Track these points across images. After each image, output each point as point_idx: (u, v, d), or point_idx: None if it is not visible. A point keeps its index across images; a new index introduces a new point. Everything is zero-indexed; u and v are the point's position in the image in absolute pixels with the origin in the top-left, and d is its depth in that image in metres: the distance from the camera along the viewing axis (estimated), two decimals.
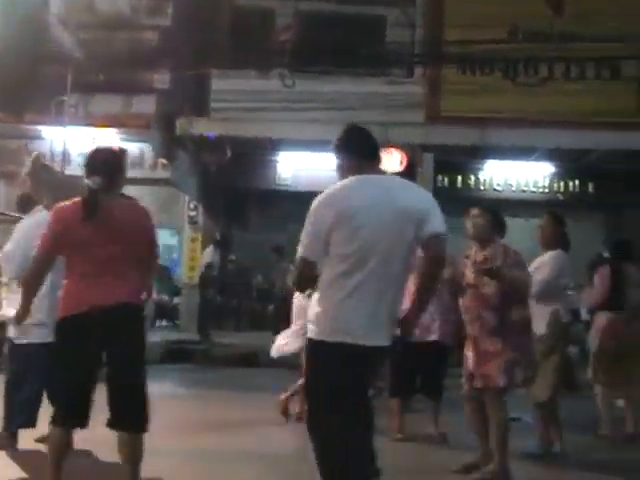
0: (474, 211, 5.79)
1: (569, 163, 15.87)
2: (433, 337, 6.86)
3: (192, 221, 16.22)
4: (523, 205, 15.75)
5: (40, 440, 5.40)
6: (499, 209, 6.24)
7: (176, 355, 12.57)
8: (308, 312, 4.10)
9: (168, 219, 16.74)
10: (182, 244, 16.85)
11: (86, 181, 4.36)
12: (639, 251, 8.27)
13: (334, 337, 3.90)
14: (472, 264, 5.63)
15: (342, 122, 12.81)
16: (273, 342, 7.74)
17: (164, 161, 14.84)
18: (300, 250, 3.98)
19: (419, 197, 4.14)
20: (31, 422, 5.71)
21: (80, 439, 4.59)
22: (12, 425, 5.76)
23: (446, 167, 15.64)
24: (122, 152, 4.69)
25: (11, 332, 5.87)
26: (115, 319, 4.24)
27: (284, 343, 7.51)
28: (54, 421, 4.28)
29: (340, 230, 3.92)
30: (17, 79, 13.11)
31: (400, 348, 6.53)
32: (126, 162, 4.68)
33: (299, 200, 4.51)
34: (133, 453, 4.27)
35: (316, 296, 4.00)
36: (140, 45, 13.18)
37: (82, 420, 4.28)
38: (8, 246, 6.00)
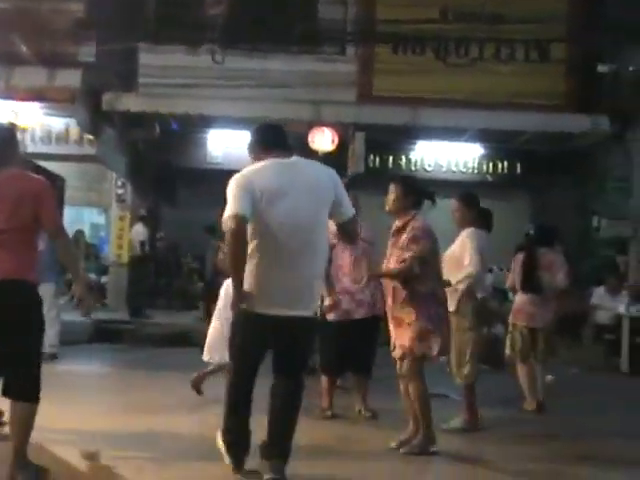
0: (390, 186, 5.83)
1: (498, 144, 16.04)
2: (360, 315, 6.84)
3: (120, 199, 15.89)
4: (453, 186, 15.79)
5: None
6: (416, 181, 6.30)
7: (105, 335, 12.38)
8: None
9: (96, 197, 16.45)
10: (110, 222, 16.53)
11: None
12: (561, 233, 8.64)
13: (253, 307, 4.33)
14: (392, 234, 5.74)
15: (274, 100, 12.74)
16: (202, 320, 7.63)
17: (90, 137, 14.48)
18: (229, 210, 4.29)
19: (327, 174, 4.62)
20: None
21: None
22: None
23: (377, 147, 15.64)
24: (12, 127, 4.75)
25: None
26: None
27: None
28: None
29: (258, 206, 4.30)
30: None
31: (330, 327, 6.60)
32: (16, 137, 4.77)
33: (229, 178, 4.49)
34: (19, 422, 4.32)
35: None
36: (65, 16, 12.75)
37: None
38: None
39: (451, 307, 6.34)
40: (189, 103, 13.79)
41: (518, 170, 16.58)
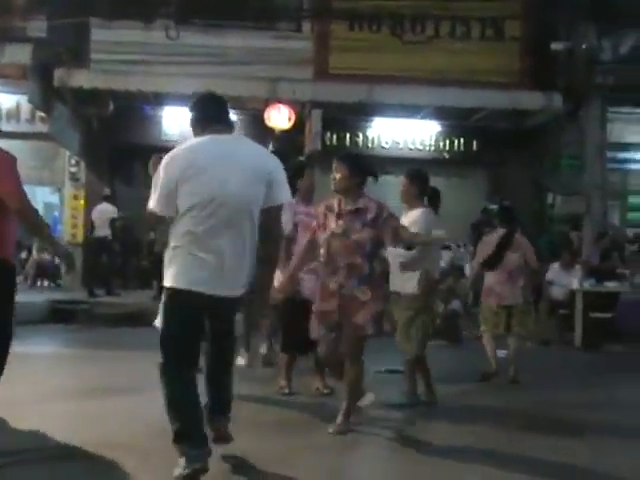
0: (335, 164, 5.67)
1: (454, 122, 16.13)
2: None
3: (73, 178, 15.66)
4: (410, 163, 15.79)
5: None
6: (361, 157, 6.25)
7: (60, 315, 12.26)
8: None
9: (48, 176, 16.17)
10: (63, 202, 16.29)
11: None
12: (516, 210, 8.86)
13: (176, 284, 4.27)
14: (339, 214, 5.55)
15: (229, 76, 12.64)
16: (156, 299, 7.57)
17: (42, 114, 14.23)
18: (151, 200, 4.30)
19: (262, 155, 4.53)
20: None
21: None
22: None
23: (334, 124, 15.63)
24: None
25: None
26: None
27: None
28: None
29: (186, 184, 4.21)
30: None
31: (293, 305, 6.58)
32: None
33: None
34: None
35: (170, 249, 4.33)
36: None
37: None
38: None
39: (409, 289, 6.40)
40: (143, 80, 13.62)
41: (474, 147, 16.67)
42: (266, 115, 14.18)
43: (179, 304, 4.30)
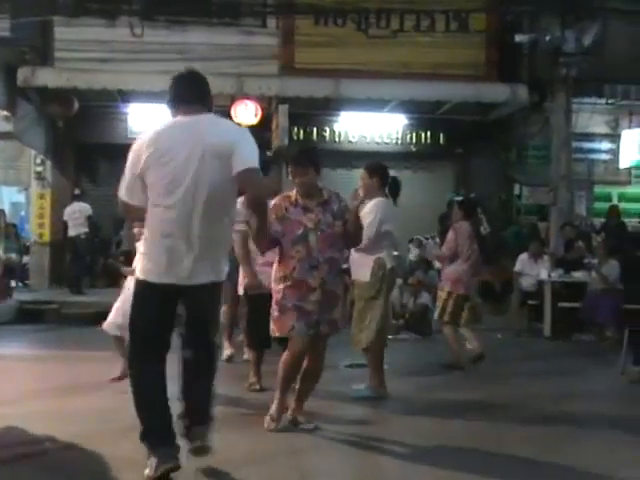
0: (298, 169, 5.54)
1: (421, 115, 16.19)
2: None
3: (40, 177, 15.49)
4: (377, 157, 15.89)
5: None
6: (312, 148, 6.24)
7: (28, 315, 12.19)
8: None
9: (14, 175, 16.00)
10: (30, 201, 16.13)
11: None
12: (484, 202, 9.08)
13: (145, 275, 4.23)
14: (306, 208, 5.43)
15: None
16: None
17: (6, 113, 14.08)
18: (120, 188, 4.27)
19: (227, 131, 4.33)
20: None
21: None
22: None
23: (301, 119, 15.63)
24: None
25: None
26: None
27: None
28: None
29: (151, 171, 4.15)
30: None
31: (252, 301, 6.58)
32: None
33: None
34: None
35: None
36: None
37: None
38: None
39: (361, 277, 6.48)
40: (108, 78, 13.49)
41: (441, 140, 16.75)
42: (233, 111, 14.14)
43: (139, 294, 4.30)
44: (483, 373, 8.14)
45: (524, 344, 10.96)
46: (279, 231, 5.38)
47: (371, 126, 16.56)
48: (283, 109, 14.26)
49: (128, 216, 4.63)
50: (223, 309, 7.04)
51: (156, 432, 4.20)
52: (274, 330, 5.46)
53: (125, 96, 14.84)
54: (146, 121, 15.78)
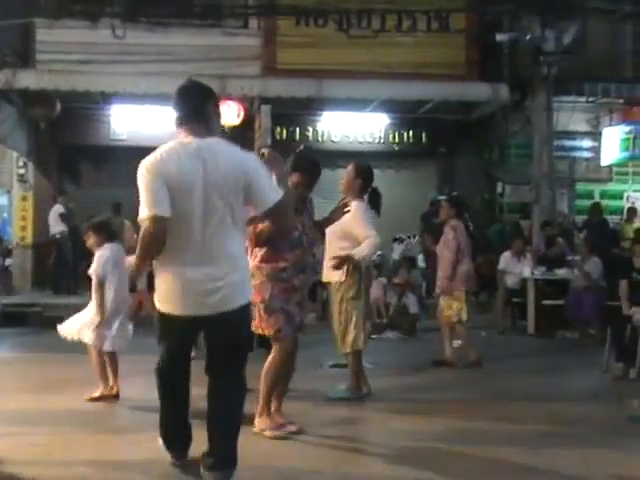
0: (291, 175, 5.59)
1: (403, 114, 16.24)
2: None
3: (22, 179, 15.45)
4: (360, 156, 15.88)
5: None
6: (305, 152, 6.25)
7: (11, 319, 12.12)
8: None
9: None
10: (12, 203, 16.06)
11: None
12: (467, 200, 9.26)
13: (161, 307, 4.10)
14: (297, 210, 5.35)
15: (177, 75, 12.58)
16: None
17: None
18: (147, 208, 3.89)
19: (244, 165, 4.06)
20: None
21: None
22: None
23: (284, 119, 15.65)
24: None
25: None
26: None
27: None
28: None
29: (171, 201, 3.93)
30: None
31: None
32: None
33: (136, 155, 4.35)
34: None
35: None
36: None
37: None
38: None
39: (335, 277, 6.47)
40: (90, 80, 13.48)
41: (423, 139, 16.80)
42: None
43: (161, 324, 4.18)
44: (467, 372, 8.19)
45: (508, 342, 11.02)
46: None
47: (354, 126, 16.60)
48: (266, 109, 14.27)
49: (152, 244, 3.94)
50: None
51: (167, 442, 4.41)
52: (262, 328, 5.38)
53: (107, 98, 14.80)
54: (129, 123, 15.78)
